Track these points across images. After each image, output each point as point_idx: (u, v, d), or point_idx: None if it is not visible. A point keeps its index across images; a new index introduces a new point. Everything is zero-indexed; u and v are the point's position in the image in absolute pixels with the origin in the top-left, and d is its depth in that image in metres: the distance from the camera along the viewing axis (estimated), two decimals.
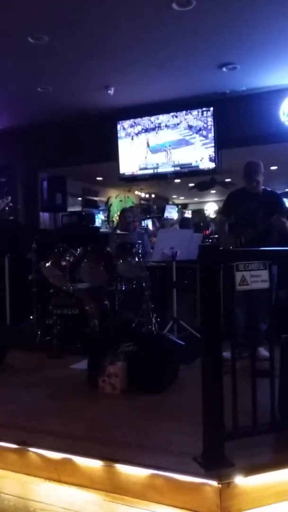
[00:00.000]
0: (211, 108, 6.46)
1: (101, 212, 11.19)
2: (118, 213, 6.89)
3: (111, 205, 11.14)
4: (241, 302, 3.04)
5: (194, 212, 15.10)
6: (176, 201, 14.47)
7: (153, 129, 6.92)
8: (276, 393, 2.34)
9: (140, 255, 4.74)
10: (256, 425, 2.22)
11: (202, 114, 6.56)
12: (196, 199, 14.48)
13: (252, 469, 2.06)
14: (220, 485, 1.98)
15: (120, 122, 7.05)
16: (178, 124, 6.74)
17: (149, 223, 8.36)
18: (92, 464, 2.23)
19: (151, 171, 7.04)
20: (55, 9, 4.17)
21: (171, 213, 12.26)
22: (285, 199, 7.72)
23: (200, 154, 6.61)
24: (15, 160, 7.90)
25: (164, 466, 2.11)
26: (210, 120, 6.49)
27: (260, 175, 3.91)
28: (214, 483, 1.99)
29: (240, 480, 2.02)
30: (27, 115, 7.16)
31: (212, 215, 12.94)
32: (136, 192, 11.59)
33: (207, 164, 6.59)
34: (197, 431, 2.16)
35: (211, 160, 6.55)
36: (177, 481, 2.05)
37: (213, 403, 2.10)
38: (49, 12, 4.21)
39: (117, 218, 7.41)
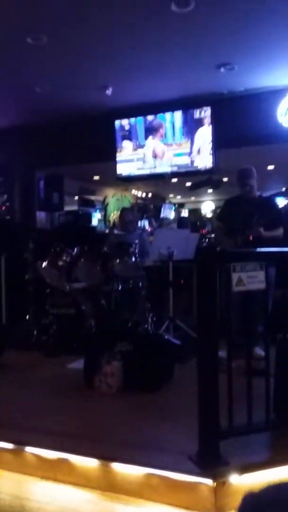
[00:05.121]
0: (209, 108, 6.48)
1: (97, 211, 11.17)
2: (115, 212, 6.89)
3: (107, 204, 11.13)
4: (237, 302, 3.05)
5: (190, 211, 15.10)
6: (173, 200, 14.46)
7: (150, 129, 6.92)
8: (271, 392, 2.36)
9: (137, 255, 4.74)
10: (251, 424, 2.23)
11: (200, 114, 6.57)
12: (193, 198, 14.47)
13: (247, 468, 2.07)
14: (215, 484, 1.99)
15: (118, 121, 7.05)
16: (175, 124, 6.74)
17: (145, 223, 8.37)
18: (88, 463, 2.24)
19: (148, 171, 7.04)
20: (54, 9, 4.17)
21: (168, 212, 12.25)
22: (281, 198, 7.80)
23: (198, 154, 6.62)
24: (12, 159, 7.89)
25: (159, 465, 2.12)
26: (207, 120, 6.50)
27: (253, 179, 4.03)
28: (209, 481, 2.00)
29: (235, 479, 2.03)
30: (25, 115, 7.15)
31: (209, 215, 12.94)
32: (133, 191, 11.58)
33: (204, 164, 6.60)
34: (193, 430, 2.17)
35: (208, 160, 6.56)
36: (173, 480, 2.06)
37: (209, 402, 2.11)
38: (48, 12, 4.21)
39: (115, 217, 7.40)
